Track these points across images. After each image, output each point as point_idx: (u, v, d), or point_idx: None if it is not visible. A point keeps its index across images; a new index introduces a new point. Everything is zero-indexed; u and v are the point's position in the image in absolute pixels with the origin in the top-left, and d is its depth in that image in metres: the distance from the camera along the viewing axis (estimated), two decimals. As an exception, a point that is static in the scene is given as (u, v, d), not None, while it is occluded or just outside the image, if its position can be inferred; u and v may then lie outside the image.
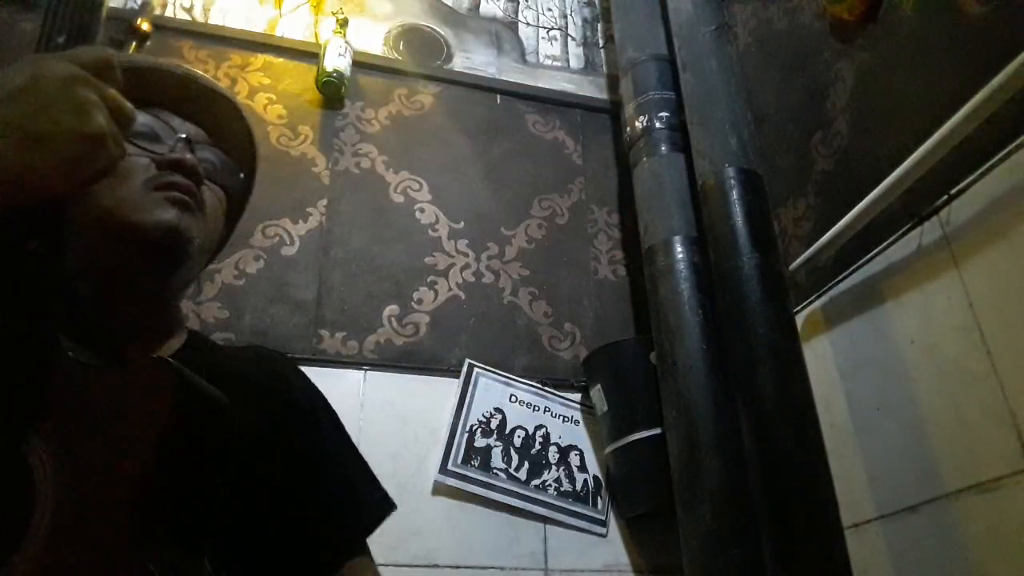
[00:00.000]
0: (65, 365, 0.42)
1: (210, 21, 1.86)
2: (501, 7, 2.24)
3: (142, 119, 0.63)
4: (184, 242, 0.61)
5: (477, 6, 2.21)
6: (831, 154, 1.47)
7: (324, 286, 1.58)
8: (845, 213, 1.28)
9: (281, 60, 1.85)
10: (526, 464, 1.52)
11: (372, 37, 2.00)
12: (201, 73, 0.74)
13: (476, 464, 1.48)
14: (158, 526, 0.39)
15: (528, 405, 1.59)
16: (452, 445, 1.47)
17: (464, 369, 1.56)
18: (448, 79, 1.99)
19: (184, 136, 0.66)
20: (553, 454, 1.56)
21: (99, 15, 0.57)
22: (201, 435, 0.44)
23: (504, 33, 2.18)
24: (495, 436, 1.53)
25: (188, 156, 0.63)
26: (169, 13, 1.84)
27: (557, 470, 1.54)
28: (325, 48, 1.79)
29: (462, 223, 1.78)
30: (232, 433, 0.47)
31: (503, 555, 1.42)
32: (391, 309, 1.60)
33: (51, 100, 0.42)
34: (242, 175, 0.73)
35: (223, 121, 0.72)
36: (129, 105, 0.48)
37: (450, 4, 2.16)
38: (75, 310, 0.51)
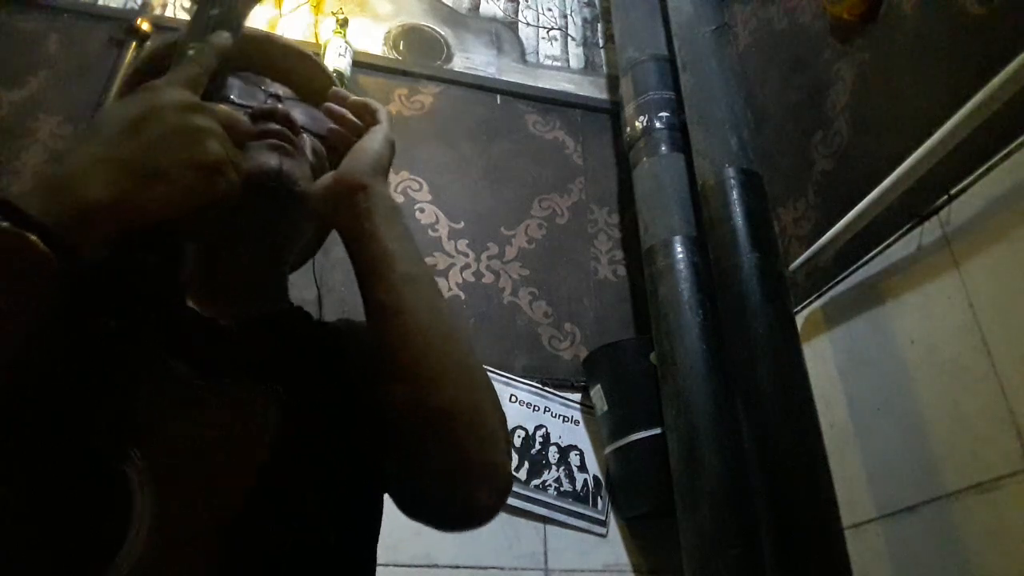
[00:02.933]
0: (170, 382, 0.42)
1: (210, 21, 1.86)
2: (501, 7, 2.24)
3: (232, 80, 0.64)
4: (289, 183, 0.58)
5: (477, 6, 2.21)
6: (831, 154, 1.47)
7: (324, 286, 1.58)
8: (845, 213, 1.28)
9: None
10: (526, 464, 1.52)
11: (372, 37, 2.00)
12: (279, 33, 0.73)
13: (476, 464, 1.47)
14: (250, 555, 0.39)
15: (528, 405, 1.59)
16: (452, 445, 1.47)
17: (464, 369, 1.56)
18: (448, 79, 1.99)
19: (273, 92, 0.66)
20: (553, 454, 1.56)
21: None
22: (300, 468, 0.44)
23: (504, 33, 2.18)
24: (495, 436, 1.52)
25: (279, 106, 0.63)
26: (169, 13, 1.84)
27: (557, 470, 1.54)
28: (325, 48, 1.79)
29: (462, 223, 1.78)
30: (332, 467, 0.48)
31: (503, 555, 1.42)
32: (391, 309, 1.60)
33: (167, 132, 0.43)
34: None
35: (306, 78, 0.72)
36: (244, 120, 0.51)
37: (450, 4, 2.16)
38: (184, 318, 0.51)
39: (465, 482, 0.49)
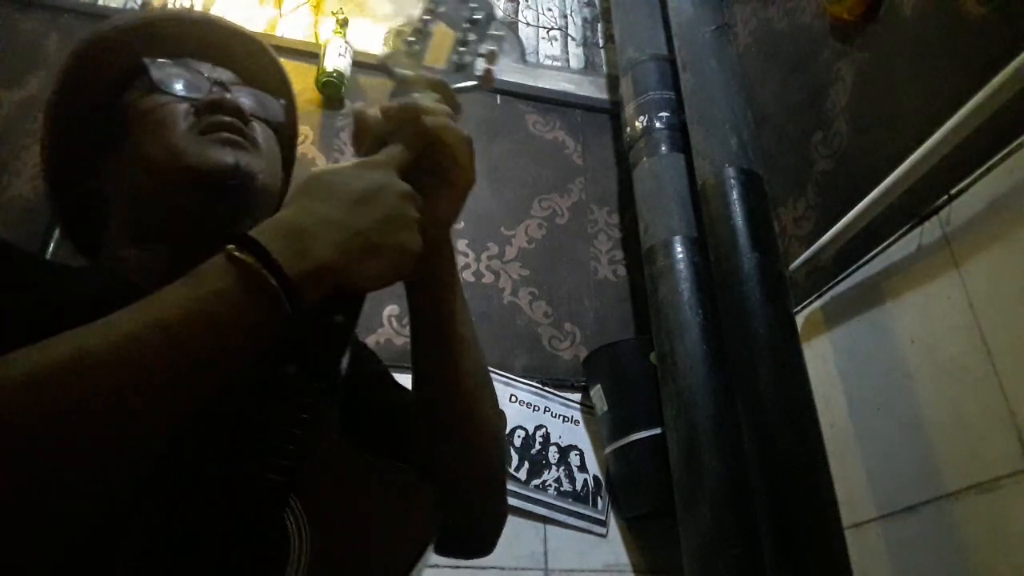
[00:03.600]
0: (333, 446, 0.44)
1: (210, 21, 1.86)
2: (501, 7, 2.24)
3: (173, 70, 0.62)
4: (247, 179, 0.58)
5: (477, 6, 2.21)
6: (831, 154, 1.47)
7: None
8: (845, 213, 1.28)
9: (281, 60, 1.85)
10: (526, 464, 1.52)
11: (372, 37, 2.00)
12: (219, 16, 0.73)
13: (476, 464, 1.47)
14: None
15: (528, 405, 1.59)
16: (452, 445, 1.47)
17: (464, 369, 1.56)
18: (448, 79, 1.99)
19: (217, 79, 0.64)
20: (553, 454, 1.56)
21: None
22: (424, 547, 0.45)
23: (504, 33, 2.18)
24: (495, 436, 1.52)
25: (227, 95, 0.61)
26: (169, 13, 1.84)
27: (557, 470, 1.54)
28: (325, 48, 1.79)
29: (462, 223, 1.78)
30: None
31: (503, 555, 1.42)
32: (391, 309, 1.60)
33: (391, 214, 0.46)
34: (282, 102, 0.70)
35: (250, 60, 0.70)
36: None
37: (450, 4, 2.16)
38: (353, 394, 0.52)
39: (496, 528, 0.59)
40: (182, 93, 0.61)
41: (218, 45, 0.68)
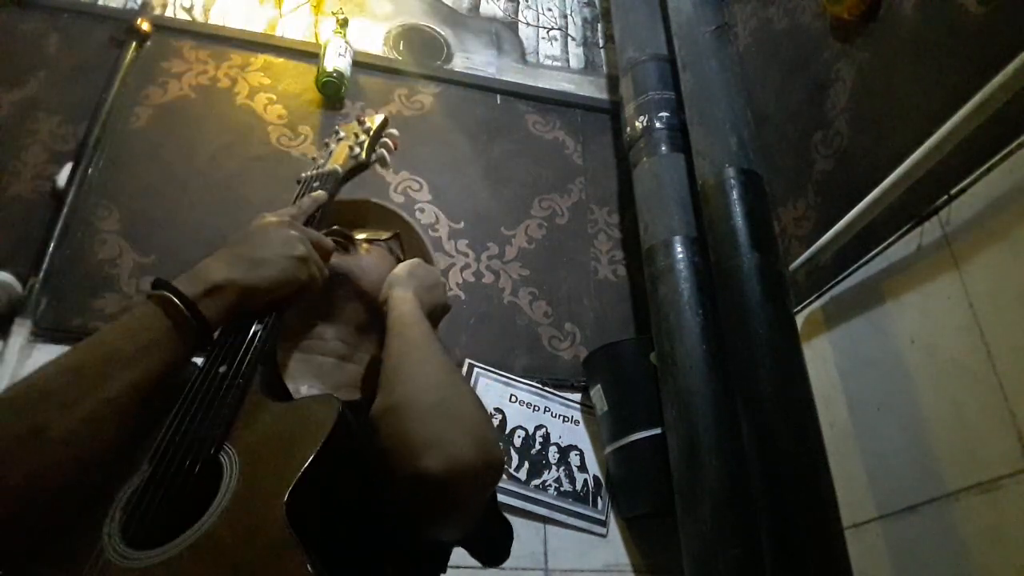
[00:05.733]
0: (257, 403, 0.59)
1: (210, 21, 1.86)
2: (501, 7, 2.24)
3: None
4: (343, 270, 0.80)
5: (477, 6, 2.21)
6: (831, 154, 1.47)
7: (324, 286, 1.58)
8: (845, 213, 1.28)
9: (281, 60, 1.85)
10: (526, 464, 1.52)
11: (372, 37, 2.00)
12: (376, 200, 0.99)
13: (476, 464, 1.47)
14: (306, 528, 0.49)
15: (528, 405, 1.59)
16: (452, 445, 1.47)
17: (464, 369, 1.56)
18: (448, 79, 1.99)
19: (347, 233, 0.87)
20: (553, 454, 1.56)
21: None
22: (342, 464, 0.57)
23: (504, 33, 2.18)
24: (495, 436, 1.52)
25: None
26: (169, 13, 1.84)
27: (557, 470, 1.54)
28: (325, 48, 1.79)
29: (462, 223, 1.78)
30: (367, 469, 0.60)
31: (503, 555, 1.42)
32: (391, 309, 1.60)
33: (270, 238, 0.65)
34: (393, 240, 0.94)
35: (383, 222, 0.97)
36: (328, 241, 0.73)
37: (450, 4, 2.16)
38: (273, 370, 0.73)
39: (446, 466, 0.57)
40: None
41: (362, 216, 0.97)
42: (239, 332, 0.62)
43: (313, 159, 0.91)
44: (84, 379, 0.52)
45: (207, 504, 0.50)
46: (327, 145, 0.93)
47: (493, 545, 0.78)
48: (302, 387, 0.72)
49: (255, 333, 0.62)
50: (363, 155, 0.88)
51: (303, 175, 0.85)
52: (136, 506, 0.51)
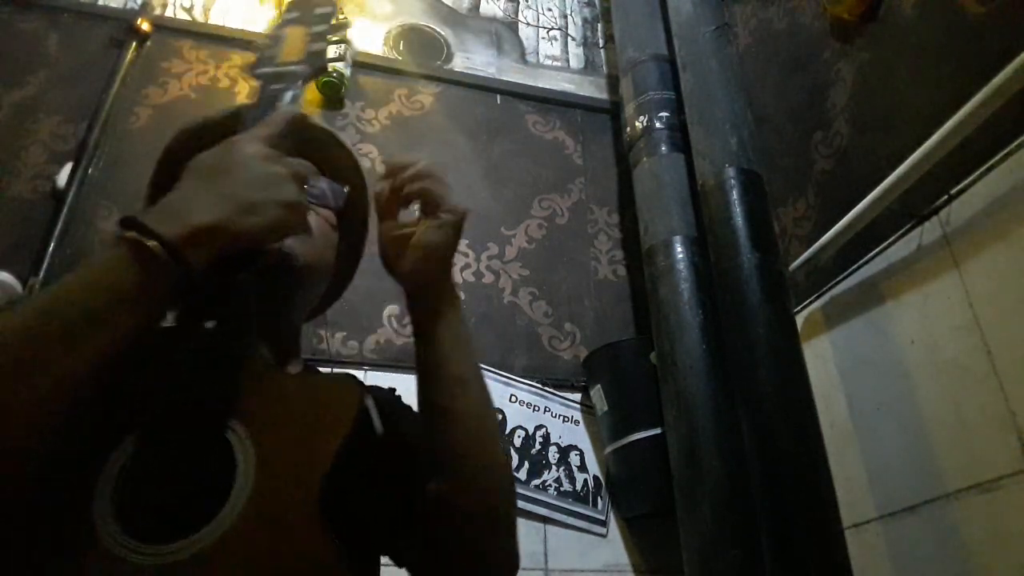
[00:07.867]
0: (262, 370, 0.54)
1: (210, 21, 1.86)
2: (501, 7, 2.24)
3: None
4: (289, 260, 0.64)
5: (477, 6, 2.21)
6: (831, 154, 1.47)
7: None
8: (845, 213, 1.28)
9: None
10: (526, 464, 1.52)
11: (372, 37, 2.00)
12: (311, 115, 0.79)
13: (476, 464, 1.47)
14: (336, 516, 0.47)
15: (528, 405, 1.59)
16: (452, 445, 1.47)
17: (464, 369, 1.56)
18: (448, 79, 1.99)
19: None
20: (553, 454, 1.56)
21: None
22: (370, 448, 0.54)
23: (504, 33, 2.18)
24: (495, 436, 1.52)
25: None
26: (169, 13, 1.84)
27: (557, 470, 1.54)
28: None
29: (462, 223, 1.77)
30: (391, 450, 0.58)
31: (503, 555, 1.42)
32: (391, 309, 1.60)
33: (256, 175, 0.52)
34: (346, 190, 0.76)
35: (329, 155, 0.77)
36: (309, 167, 0.62)
37: (450, 4, 2.16)
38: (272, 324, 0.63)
39: (484, 572, 0.59)
40: None
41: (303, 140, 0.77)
42: (220, 280, 0.52)
43: (259, 47, 0.70)
44: (47, 346, 0.44)
45: (208, 484, 0.46)
46: (279, 27, 0.72)
47: None
48: None
49: (244, 282, 0.54)
50: (325, 55, 0.68)
51: (259, 70, 0.66)
52: (128, 487, 0.46)
